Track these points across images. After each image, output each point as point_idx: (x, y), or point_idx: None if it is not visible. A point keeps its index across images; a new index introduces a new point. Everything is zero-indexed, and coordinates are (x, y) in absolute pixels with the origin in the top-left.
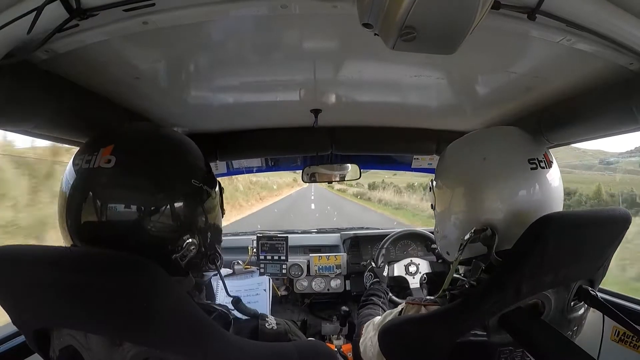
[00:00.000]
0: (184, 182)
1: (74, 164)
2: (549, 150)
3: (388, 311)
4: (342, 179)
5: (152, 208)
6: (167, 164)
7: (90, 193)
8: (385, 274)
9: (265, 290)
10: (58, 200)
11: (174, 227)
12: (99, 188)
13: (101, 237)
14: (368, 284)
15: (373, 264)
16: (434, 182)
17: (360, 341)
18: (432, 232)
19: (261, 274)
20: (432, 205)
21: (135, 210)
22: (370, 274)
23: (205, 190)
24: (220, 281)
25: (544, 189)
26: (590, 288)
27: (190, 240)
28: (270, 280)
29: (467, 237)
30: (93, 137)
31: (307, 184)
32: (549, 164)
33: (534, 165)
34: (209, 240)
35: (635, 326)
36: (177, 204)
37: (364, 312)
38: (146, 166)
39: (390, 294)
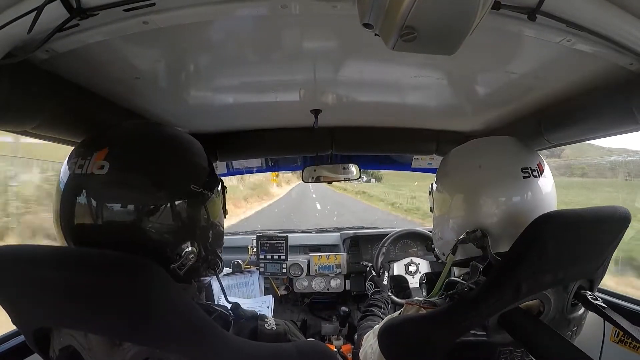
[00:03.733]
0: (183, 188)
1: (68, 166)
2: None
3: (388, 316)
4: (346, 179)
5: (148, 216)
6: (164, 170)
7: (83, 199)
8: (385, 282)
9: (268, 307)
10: (53, 200)
11: (170, 236)
12: (91, 195)
13: (94, 242)
14: (369, 294)
15: (373, 272)
16: (434, 186)
17: (360, 351)
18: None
19: (261, 273)
20: (431, 207)
21: (130, 218)
22: (370, 284)
23: (205, 194)
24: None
25: (536, 196)
26: (588, 292)
27: (189, 248)
28: (273, 299)
29: (459, 237)
30: (87, 137)
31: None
32: (541, 173)
33: (527, 174)
34: (209, 245)
35: (632, 329)
36: (175, 211)
37: (364, 324)
38: (141, 172)
39: (390, 294)
